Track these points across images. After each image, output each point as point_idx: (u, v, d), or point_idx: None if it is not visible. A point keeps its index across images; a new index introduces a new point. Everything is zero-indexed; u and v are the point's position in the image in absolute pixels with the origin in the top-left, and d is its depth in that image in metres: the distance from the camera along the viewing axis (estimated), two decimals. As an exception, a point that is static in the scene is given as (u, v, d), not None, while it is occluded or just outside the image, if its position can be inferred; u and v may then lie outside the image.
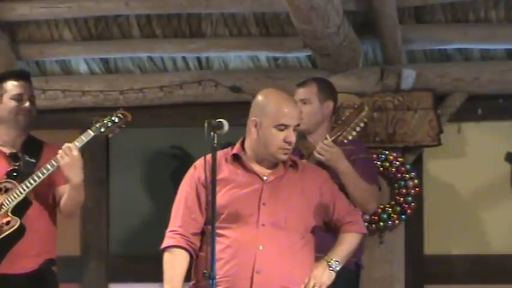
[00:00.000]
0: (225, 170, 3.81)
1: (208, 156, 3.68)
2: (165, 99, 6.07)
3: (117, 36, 6.06)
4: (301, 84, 4.94)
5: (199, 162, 3.85)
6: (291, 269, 3.72)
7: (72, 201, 4.52)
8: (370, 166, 4.90)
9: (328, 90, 4.90)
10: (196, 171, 3.84)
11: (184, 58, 6.13)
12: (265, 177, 3.80)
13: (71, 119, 6.20)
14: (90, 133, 4.50)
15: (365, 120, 4.64)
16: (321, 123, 4.83)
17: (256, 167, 3.82)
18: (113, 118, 4.55)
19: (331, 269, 3.80)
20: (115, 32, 6.06)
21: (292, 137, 3.80)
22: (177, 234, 3.79)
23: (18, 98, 4.62)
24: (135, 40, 6.04)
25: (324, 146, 4.55)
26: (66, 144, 4.42)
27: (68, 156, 4.38)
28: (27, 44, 6.13)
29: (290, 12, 4.82)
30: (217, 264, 3.57)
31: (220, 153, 3.81)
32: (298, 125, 3.84)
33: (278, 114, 3.78)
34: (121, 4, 5.72)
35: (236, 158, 3.84)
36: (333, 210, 3.90)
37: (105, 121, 4.53)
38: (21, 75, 4.73)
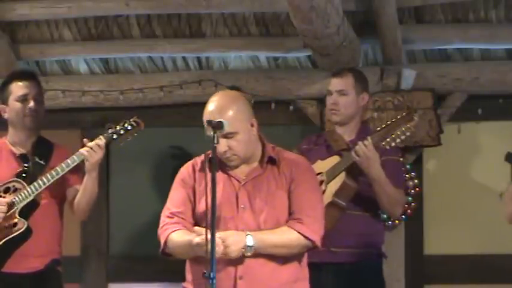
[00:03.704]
0: (206, 178, 3.68)
1: (191, 165, 3.74)
2: (165, 99, 6.07)
3: (117, 36, 6.07)
4: (337, 75, 4.85)
5: (191, 165, 3.81)
6: (275, 270, 3.64)
7: (86, 197, 4.52)
8: (399, 169, 4.83)
9: (363, 82, 4.85)
10: (186, 175, 3.79)
11: (184, 58, 6.13)
12: (242, 179, 3.72)
13: (71, 119, 6.21)
14: (102, 140, 4.46)
15: (413, 130, 4.52)
16: (355, 115, 4.79)
17: (233, 170, 3.74)
18: (126, 125, 4.51)
19: (246, 243, 3.57)
20: (115, 32, 6.06)
21: (220, 149, 3.62)
22: (180, 219, 3.73)
23: (23, 99, 4.61)
24: (135, 40, 6.04)
25: (363, 148, 4.44)
26: (95, 142, 4.42)
27: (96, 154, 4.40)
28: (27, 44, 6.13)
29: (290, 12, 4.82)
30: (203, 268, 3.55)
31: (199, 161, 3.79)
32: (227, 133, 3.61)
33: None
34: (121, 4, 5.72)
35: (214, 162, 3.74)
36: (292, 201, 3.71)
37: (118, 128, 4.49)
38: (25, 75, 4.72)
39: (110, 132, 4.48)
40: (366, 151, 4.43)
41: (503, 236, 5.57)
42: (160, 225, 3.79)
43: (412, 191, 5.71)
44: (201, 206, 3.70)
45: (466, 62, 5.85)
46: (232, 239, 3.53)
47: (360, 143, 4.48)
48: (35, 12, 5.86)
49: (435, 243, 5.85)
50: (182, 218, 3.73)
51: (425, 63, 5.90)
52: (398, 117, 4.57)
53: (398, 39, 5.58)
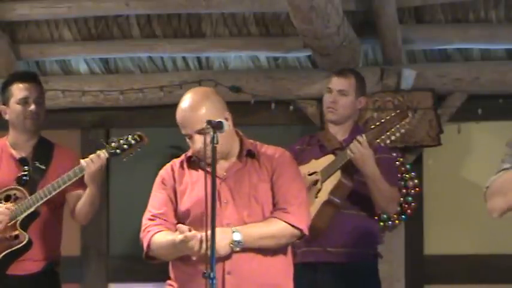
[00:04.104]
0: (186, 177, 3.73)
1: (170, 166, 3.75)
2: (165, 99, 6.06)
3: (117, 36, 6.06)
4: (340, 74, 4.83)
5: (168, 169, 3.80)
6: (263, 264, 3.63)
7: (86, 208, 4.52)
8: (393, 167, 4.85)
9: (363, 86, 4.86)
10: (166, 177, 3.79)
11: (184, 58, 6.13)
12: (222, 175, 3.69)
13: (71, 119, 6.21)
14: (105, 154, 4.40)
15: (407, 127, 4.52)
16: (350, 117, 4.79)
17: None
18: (129, 140, 4.43)
19: (233, 238, 3.56)
20: (115, 32, 6.06)
21: (196, 146, 3.62)
22: (162, 220, 3.74)
23: (24, 102, 4.57)
24: (135, 40, 6.04)
25: (357, 145, 4.45)
26: (94, 154, 4.37)
27: (94, 165, 4.35)
28: (27, 44, 6.13)
29: (290, 12, 4.83)
30: (188, 266, 3.57)
31: (177, 162, 3.79)
32: (202, 129, 3.57)
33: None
34: (121, 4, 5.72)
35: (193, 161, 3.76)
36: (276, 192, 3.70)
37: (121, 142, 4.41)
38: (27, 77, 4.68)
39: (113, 146, 4.42)
40: (360, 148, 4.45)
41: (502, 236, 5.58)
42: (142, 228, 3.78)
43: (412, 191, 5.71)
44: (183, 205, 3.69)
45: (466, 62, 5.85)
46: (218, 236, 3.48)
47: (355, 140, 4.49)
48: (35, 12, 5.86)
49: (435, 243, 5.85)
50: (164, 220, 3.72)
51: (425, 63, 5.90)
52: (393, 114, 4.57)
53: (398, 39, 5.58)
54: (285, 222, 3.64)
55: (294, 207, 3.66)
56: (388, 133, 4.48)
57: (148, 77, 6.15)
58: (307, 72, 5.97)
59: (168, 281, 3.80)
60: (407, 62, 5.86)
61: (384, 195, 4.57)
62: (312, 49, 5.53)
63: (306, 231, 3.70)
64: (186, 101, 3.68)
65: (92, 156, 4.37)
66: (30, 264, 4.52)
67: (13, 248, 4.42)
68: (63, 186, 4.40)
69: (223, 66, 6.13)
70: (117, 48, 6.07)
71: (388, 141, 4.51)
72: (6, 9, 5.84)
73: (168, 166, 3.82)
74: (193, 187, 3.69)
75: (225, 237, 3.54)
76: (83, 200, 4.49)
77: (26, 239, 4.42)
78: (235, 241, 3.55)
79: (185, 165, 3.76)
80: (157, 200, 3.78)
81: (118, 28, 6.05)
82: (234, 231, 3.56)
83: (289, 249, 3.77)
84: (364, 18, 5.64)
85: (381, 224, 5.65)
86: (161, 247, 3.68)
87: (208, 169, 3.64)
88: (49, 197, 4.41)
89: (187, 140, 3.70)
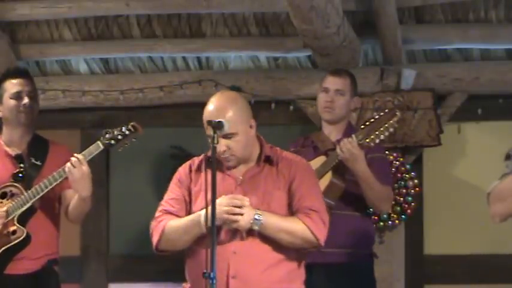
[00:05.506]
0: (202, 177, 3.72)
1: (188, 165, 3.79)
2: (165, 99, 6.07)
3: (117, 36, 6.07)
4: (336, 74, 4.84)
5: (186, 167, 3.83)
6: (268, 270, 3.63)
7: (78, 210, 4.49)
8: (386, 166, 4.86)
9: (356, 86, 4.88)
10: (183, 175, 3.82)
11: (184, 58, 6.13)
12: (239, 179, 3.72)
13: (71, 119, 6.22)
14: (100, 146, 4.36)
15: (396, 126, 4.54)
16: (345, 117, 4.82)
17: (231, 169, 3.74)
18: (123, 130, 4.39)
19: (255, 216, 3.62)
20: (115, 32, 6.06)
21: (219, 148, 3.63)
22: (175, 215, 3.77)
23: (17, 96, 4.58)
24: (135, 40, 6.05)
25: (347, 145, 4.47)
26: (76, 156, 4.33)
27: (76, 170, 4.30)
28: (27, 44, 6.14)
29: (290, 12, 4.83)
30: (198, 268, 3.56)
31: (196, 161, 3.82)
32: (227, 133, 3.64)
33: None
34: (121, 4, 5.72)
35: (210, 161, 3.72)
36: (297, 199, 3.71)
37: (116, 133, 4.38)
38: (19, 73, 4.68)
39: (107, 137, 4.40)
40: (350, 147, 4.46)
41: (503, 236, 5.57)
42: (155, 218, 3.77)
43: (412, 191, 5.71)
44: (196, 206, 3.70)
45: (466, 62, 5.85)
46: (246, 210, 3.56)
47: (344, 139, 4.51)
48: (35, 12, 5.86)
49: (435, 243, 5.85)
50: (176, 216, 3.73)
51: (425, 63, 5.90)
52: (382, 113, 4.58)
53: (399, 39, 5.58)
54: (307, 226, 3.66)
55: (316, 216, 3.69)
56: (377, 132, 4.49)
57: (148, 77, 6.15)
58: (307, 72, 5.97)
59: (183, 285, 3.80)
60: (407, 62, 5.86)
61: (376, 194, 4.58)
62: (312, 49, 5.53)
63: (322, 243, 3.72)
64: (213, 104, 3.71)
65: (73, 160, 4.32)
66: (28, 263, 4.51)
67: (11, 243, 4.40)
68: (59, 180, 4.38)
69: (223, 66, 6.13)
70: (117, 48, 6.07)
71: (377, 141, 4.52)
72: (6, 9, 5.84)
73: (187, 164, 3.85)
74: (209, 189, 3.67)
75: (250, 213, 3.58)
76: (73, 202, 4.48)
77: (24, 234, 4.40)
78: (256, 219, 3.58)
79: (203, 166, 3.77)
80: (172, 197, 3.80)
81: (118, 28, 6.05)
82: (256, 213, 3.59)
83: (299, 258, 3.75)
84: (364, 18, 5.65)
85: (381, 224, 5.65)
86: (180, 226, 3.69)
87: (227, 172, 3.74)
88: (45, 191, 4.40)
89: (210, 141, 3.68)
